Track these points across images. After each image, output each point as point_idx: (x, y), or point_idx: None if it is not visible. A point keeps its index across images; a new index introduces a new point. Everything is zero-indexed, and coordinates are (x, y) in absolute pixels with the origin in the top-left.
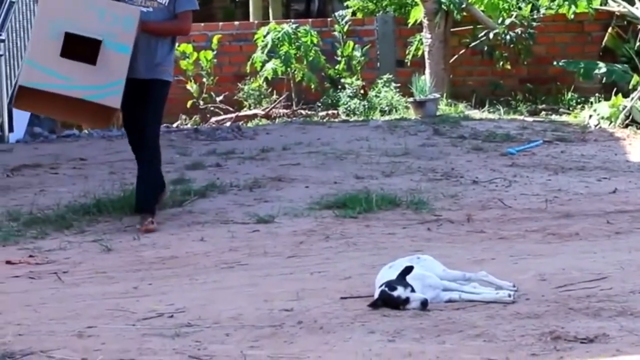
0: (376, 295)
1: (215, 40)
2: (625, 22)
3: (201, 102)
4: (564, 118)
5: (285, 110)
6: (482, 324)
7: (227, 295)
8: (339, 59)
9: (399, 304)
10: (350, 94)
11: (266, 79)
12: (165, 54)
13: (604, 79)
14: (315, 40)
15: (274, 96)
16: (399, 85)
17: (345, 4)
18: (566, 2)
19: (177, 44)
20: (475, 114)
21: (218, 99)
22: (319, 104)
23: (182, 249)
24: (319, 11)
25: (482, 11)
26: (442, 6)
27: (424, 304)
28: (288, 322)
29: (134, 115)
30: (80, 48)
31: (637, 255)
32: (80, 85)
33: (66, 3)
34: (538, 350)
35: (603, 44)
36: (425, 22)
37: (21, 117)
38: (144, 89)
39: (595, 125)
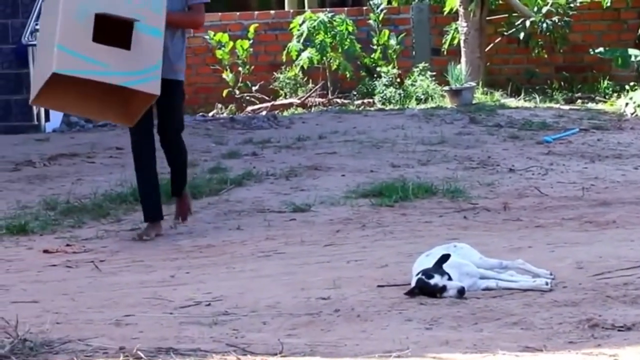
0: (413, 284)
1: (251, 29)
2: None
3: (237, 91)
4: (600, 106)
5: (321, 99)
6: (519, 312)
7: (264, 284)
8: (375, 47)
9: (436, 292)
10: (386, 83)
11: (302, 67)
12: (179, 53)
13: None
14: (350, 29)
15: (310, 85)
16: (434, 73)
17: None
18: None
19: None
20: (511, 102)
21: (254, 88)
22: (355, 93)
23: (219, 237)
24: (355, 0)
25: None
26: None
27: (461, 292)
28: (325, 310)
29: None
30: (110, 31)
31: None
32: (118, 72)
33: None
34: (575, 338)
35: (639, 31)
36: (461, 10)
37: None
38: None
39: (632, 114)
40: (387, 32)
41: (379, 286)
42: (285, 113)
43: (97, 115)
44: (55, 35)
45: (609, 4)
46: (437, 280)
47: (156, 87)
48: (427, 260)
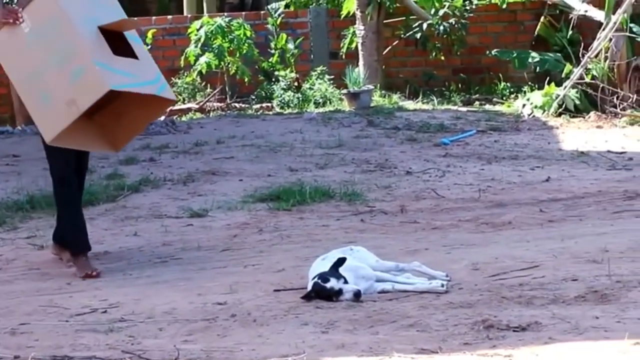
0: (309, 288)
1: (149, 34)
2: (557, 11)
3: None
4: (498, 108)
5: (219, 104)
6: (415, 314)
7: (160, 290)
8: (273, 51)
9: (332, 295)
10: (284, 87)
11: (200, 72)
12: None
13: (537, 68)
14: (248, 34)
15: (208, 90)
16: (332, 77)
17: None
18: None
19: None
20: (409, 104)
21: None
22: (253, 97)
23: (116, 244)
24: (253, 4)
25: (415, 2)
26: None
27: (357, 295)
28: (221, 315)
29: None
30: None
31: (570, 243)
32: (146, 82)
33: None
34: (471, 339)
35: (535, 33)
36: (358, 13)
37: None
38: None
39: (529, 115)
40: (285, 36)
41: (275, 290)
42: (183, 118)
43: (89, 145)
44: (78, 54)
45: (505, 6)
46: (333, 283)
47: (172, 94)
48: (323, 264)
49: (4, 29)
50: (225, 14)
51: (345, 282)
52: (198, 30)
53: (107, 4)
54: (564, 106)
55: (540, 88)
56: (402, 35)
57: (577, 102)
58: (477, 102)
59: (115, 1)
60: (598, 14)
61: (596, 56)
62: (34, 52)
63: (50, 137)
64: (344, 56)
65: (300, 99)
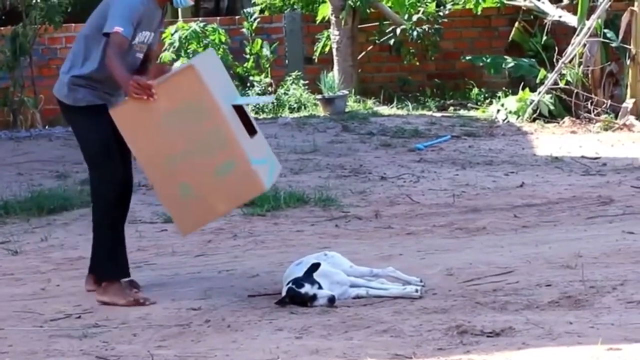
0: (283, 293)
1: None
2: (531, 17)
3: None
4: (472, 113)
5: None
6: (389, 320)
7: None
8: (248, 56)
9: (307, 300)
10: (259, 92)
11: None
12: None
13: (512, 73)
14: (223, 39)
15: None
16: (307, 82)
17: (253, 1)
18: None
19: None
20: (384, 110)
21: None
22: None
23: (90, 249)
24: (229, 9)
25: (390, 7)
26: (350, 2)
27: (332, 301)
28: (196, 320)
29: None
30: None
31: (544, 248)
32: (273, 166)
33: (211, 67)
34: (445, 345)
35: (510, 38)
36: (333, 18)
37: None
38: None
39: (503, 120)
40: (260, 41)
41: (249, 296)
42: None
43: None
44: (227, 147)
45: (479, 12)
46: (307, 289)
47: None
48: (297, 269)
49: (133, 101)
50: (200, 18)
51: (320, 287)
52: (172, 35)
53: (225, 72)
54: (538, 111)
55: (515, 93)
56: (377, 41)
57: (552, 107)
58: (451, 108)
59: (224, 68)
60: (572, 20)
61: (570, 61)
62: (171, 136)
63: (187, 232)
64: (318, 61)
65: (275, 104)
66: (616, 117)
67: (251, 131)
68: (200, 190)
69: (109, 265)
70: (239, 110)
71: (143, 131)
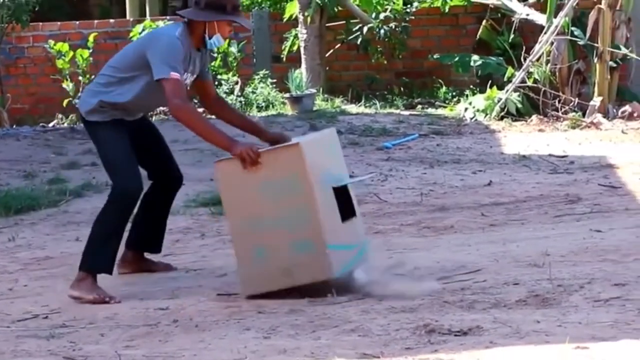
0: None
1: (91, 38)
2: (499, 15)
3: (77, 101)
4: (440, 111)
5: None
6: (357, 319)
7: None
8: (215, 55)
9: None
10: (227, 91)
11: None
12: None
13: (479, 71)
14: None
15: None
16: (275, 81)
17: None
18: None
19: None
20: (352, 108)
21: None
22: (196, 102)
23: (58, 249)
24: None
25: (358, 5)
26: (317, 0)
27: None
28: (163, 320)
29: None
30: None
31: (511, 247)
32: (360, 252)
33: (323, 146)
34: (412, 344)
35: (477, 36)
36: (301, 17)
37: None
38: (146, 126)
39: (471, 118)
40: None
41: (218, 294)
42: None
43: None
44: (310, 228)
45: (447, 10)
46: None
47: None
48: None
49: (238, 160)
50: (168, 17)
51: None
52: (140, 33)
53: (339, 151)
54: (506, 110)
55: (483, 92)
56: (344, 39)
57: (519, 105)
58: (419, 106)
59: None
60: (540, 18)
61: (538, 60)
62: (263, 201)
63: (247, 293)
64: (286, 60)
65: (243, 102)
66: (584, 115)
67: (349, 214)
68: (272, 259)
69: (96, 257)
70: (342, 191)
71: (238, 189)
